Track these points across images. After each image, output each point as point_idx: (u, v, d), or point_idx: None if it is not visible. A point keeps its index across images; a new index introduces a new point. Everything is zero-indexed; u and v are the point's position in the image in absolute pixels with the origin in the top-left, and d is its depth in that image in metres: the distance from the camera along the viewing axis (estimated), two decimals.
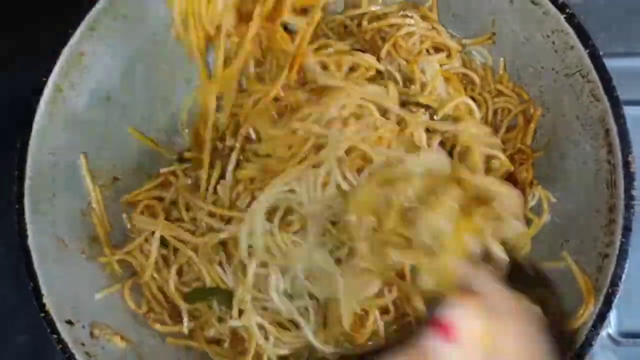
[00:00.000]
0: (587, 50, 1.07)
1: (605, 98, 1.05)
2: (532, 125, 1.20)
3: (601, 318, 1.00)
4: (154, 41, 1.21)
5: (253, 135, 1.14)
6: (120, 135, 1.23)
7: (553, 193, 1.16)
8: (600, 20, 1.07)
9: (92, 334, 1.08)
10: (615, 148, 1.04)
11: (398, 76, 1.16)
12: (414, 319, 1.06)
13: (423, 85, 1.16)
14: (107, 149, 1.21)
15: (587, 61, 1.07)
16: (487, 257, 1.02)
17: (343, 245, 1.06)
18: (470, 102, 1.17)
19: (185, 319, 1.14)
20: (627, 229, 1.01)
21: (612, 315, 1.28)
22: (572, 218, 1.12)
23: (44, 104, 1.09)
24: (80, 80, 1.14)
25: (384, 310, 1.08)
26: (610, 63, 1.07)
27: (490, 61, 1.25)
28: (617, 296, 1.00)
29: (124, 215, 1.21)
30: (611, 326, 1.28)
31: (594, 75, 1.07)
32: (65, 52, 1.10)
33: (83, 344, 1.05)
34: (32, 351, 1.31)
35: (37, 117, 1.09)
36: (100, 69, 1.17)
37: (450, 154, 1.12)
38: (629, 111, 1.05)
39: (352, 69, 1.14)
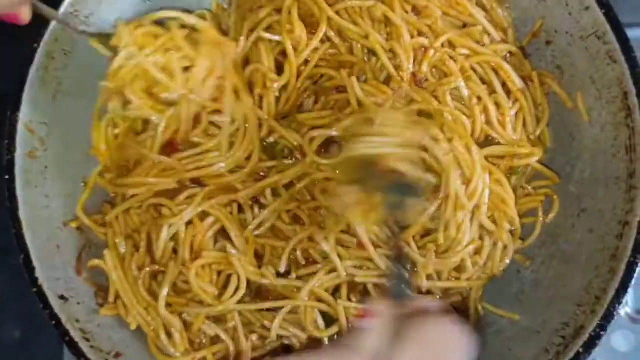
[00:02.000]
0: (603, 11, 1.03)
1: (622, 59, 1.01)
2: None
3: (623, 287, 0.95)
4: None
5: None
6: None
7: (569, 162, 1.12)
8: None
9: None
10: (635, 112, 0.99)
11: None
12: None
13: None
14: None
15: (604, 21, 1.03)
16: None
17: None
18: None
19: None
20: None
21: (630, 294, 1.24)
22: (590, 186, 1.07)
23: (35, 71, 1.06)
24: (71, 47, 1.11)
25: None
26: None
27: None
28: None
29: None
30: (629, 305, 1.24)
31: (610, 36, 1.02)
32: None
33: (78, 321, 1.01)
34: (22, 345, 1.28)
35: (27, 86, 1.06)
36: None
37: None
38: None
39: None
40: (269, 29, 1.12)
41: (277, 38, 1.11)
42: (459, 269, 1.10)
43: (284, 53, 1.12)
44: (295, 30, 1.09)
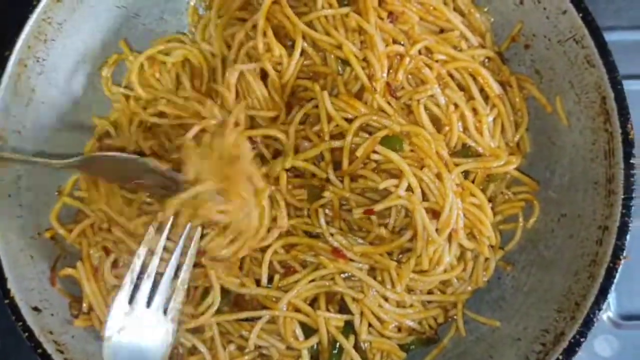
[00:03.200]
0: (581, 14, 1.02)
1: (600, 63, 1.00)
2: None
3: (603, 293, 0.94)
4: None
5: None
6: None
7: (548, 167, 1.11)
8: None
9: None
10: (613, 116, 0.98)
11: None
12: None
13: None
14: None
15: (581, 25, 1.02)
16: None
17: None
18: None
19: None
20: (627, 199, 0.96)
21: (612, 299, 1.24)
22: (569, 191, 1.06)
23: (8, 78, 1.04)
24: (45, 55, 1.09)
25: None
26: None
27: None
28: (619, 270, 0.95)
29: None
30: (611, 309, 1.23)
31: (588, 40, 1.01)
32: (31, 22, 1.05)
33: (51, 332, 0.99)
34: (1, 357, 1.25)
35: (1, 93, 1.04)
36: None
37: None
38: None
39: None
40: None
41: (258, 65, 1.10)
42: (445, 282, 1.09)
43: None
44: (274, 51, 1.08)
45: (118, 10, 1.16)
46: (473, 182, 1.09)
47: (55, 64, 1.10)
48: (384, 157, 1.04)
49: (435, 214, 1.03)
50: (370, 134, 1.05)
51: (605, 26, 1.03)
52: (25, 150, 1.07)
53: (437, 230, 1.03)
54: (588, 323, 0.94)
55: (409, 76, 1.10)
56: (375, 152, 1.04)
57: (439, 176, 1.03)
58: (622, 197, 0.96)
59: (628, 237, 0.95)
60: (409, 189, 1.03)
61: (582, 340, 0.94)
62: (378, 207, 1.04)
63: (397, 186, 1.03)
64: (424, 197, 1.03)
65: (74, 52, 1.13)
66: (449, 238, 1.05)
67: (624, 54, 1.04)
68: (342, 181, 1.07)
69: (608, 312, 1.23)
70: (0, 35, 1.04)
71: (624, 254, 0.95)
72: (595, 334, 1.13)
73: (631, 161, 0.97)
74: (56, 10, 1.07)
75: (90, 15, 1.13)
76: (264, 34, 1.07)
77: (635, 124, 0.98)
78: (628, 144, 0.97)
